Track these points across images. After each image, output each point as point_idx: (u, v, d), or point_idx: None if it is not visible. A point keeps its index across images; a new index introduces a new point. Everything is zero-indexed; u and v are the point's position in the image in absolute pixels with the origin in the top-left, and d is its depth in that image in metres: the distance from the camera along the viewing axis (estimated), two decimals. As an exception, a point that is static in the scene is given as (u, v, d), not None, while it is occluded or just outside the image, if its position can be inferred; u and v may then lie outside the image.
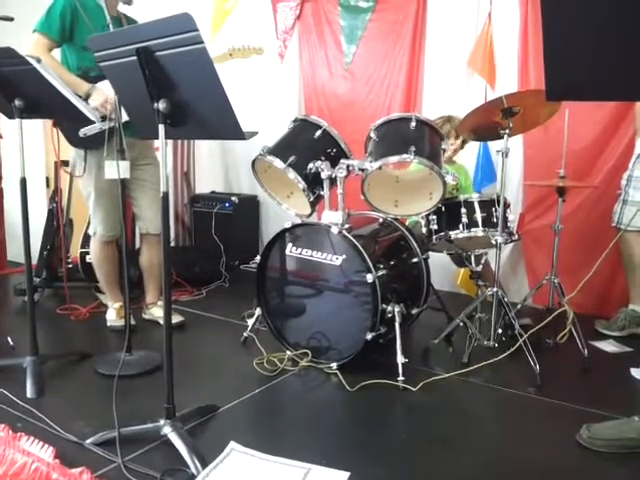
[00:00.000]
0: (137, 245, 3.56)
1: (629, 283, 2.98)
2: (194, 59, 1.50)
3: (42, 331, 2.53)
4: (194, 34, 1.45)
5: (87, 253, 3.31)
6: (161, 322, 2.97)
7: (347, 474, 1.66)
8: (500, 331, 2.60)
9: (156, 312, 3.04)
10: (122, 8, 2.71)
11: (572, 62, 1.14)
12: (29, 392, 2.15)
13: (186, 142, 4.55)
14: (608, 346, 2.80)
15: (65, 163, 3.62)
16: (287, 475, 1.65)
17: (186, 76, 1.58)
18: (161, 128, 1.67)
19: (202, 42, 1.45)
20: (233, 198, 4.33)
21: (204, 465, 1.67)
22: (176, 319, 2.95)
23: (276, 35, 4.22)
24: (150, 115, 1.68)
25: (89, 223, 3.38)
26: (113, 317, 2.95)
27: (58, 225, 3.43)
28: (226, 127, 1.60)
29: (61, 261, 3.47)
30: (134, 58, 1.61)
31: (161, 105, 1.64)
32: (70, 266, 3.53)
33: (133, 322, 2.80)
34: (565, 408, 2.15)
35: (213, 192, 4.66)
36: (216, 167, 4.74)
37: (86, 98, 2.52)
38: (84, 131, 2.41)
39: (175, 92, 1.62)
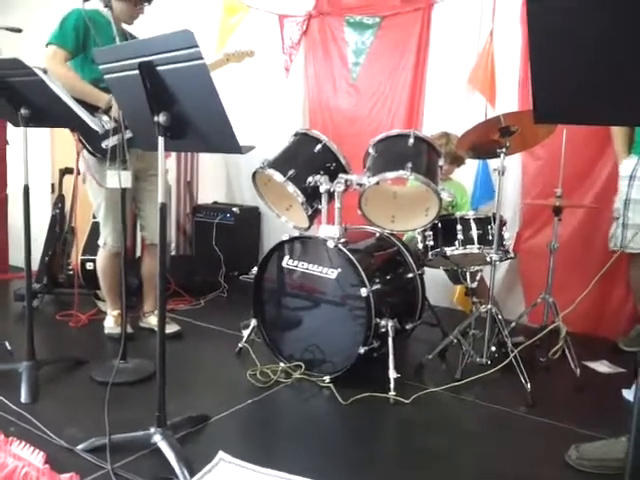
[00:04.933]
0: (137, 254, 3.60)
1: None
2: (194, 74, 1.54)
3: (40, 337, 2.55)
4: (194, 50, 1.48)
5: (88, 260, 3.34)
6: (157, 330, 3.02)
7: (334, 487, 1.68)
8: (493, 348, 2.61)
9: (153, 320, 3.06)
10: (126, 26, 2.78)
11: (558, 87, 1.17)
12: (23, 397, 2.17)
13: (190, 152, 4.61)
14: (601, 366, 2.80)
15: (69, 170, 3.69)
16: (274, 486, 1.67)
17: (186, 91, 1.61)
18: (161, 140, 1.71)
19: (202, 58, 1.49)
20: (235, 209, 4.37)
21: (192, 474, 1.68)
22: (173, 328, 2.98)
23: (282, 49, 4.28)
24: (150, 127, 1.72)
25: (91, 231, 3.45)
26: (111, 324, 2.97)
27: (61, 231, 3.47)
28: (224, 141, 1.63)
29: (62, 267, 3.51)
30: (136, 72, 1.65)
31: (161, 118, 1.68)
32: (70, 273, 3.57)
33: (130, 330, 2.83)
34: (555, 427, 2.15)
35: (215, 202, 4.70)
36: (219, 178, 4.79)
37: (108, 108, 2.57)
38: (106, 142, 2.46)
39: (175, 106, 1.66)
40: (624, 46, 1.06)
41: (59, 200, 3.59)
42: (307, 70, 4.26)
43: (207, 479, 1.68)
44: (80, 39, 2.61)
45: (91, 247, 3.35)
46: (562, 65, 1.14)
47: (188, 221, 4.60)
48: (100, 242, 2.92)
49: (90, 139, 2.66)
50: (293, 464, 1.79)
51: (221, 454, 1.80)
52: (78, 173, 2.99)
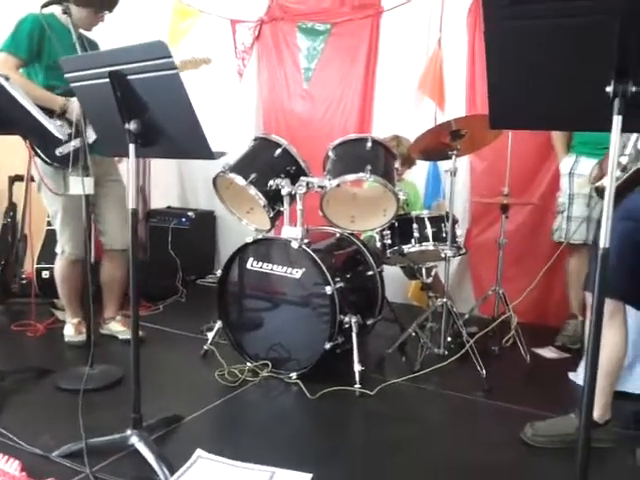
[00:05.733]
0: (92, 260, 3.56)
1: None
2: (166, 84, 1.59)
3: (-3, 348, 2.52)
4: (167, 61, 1.53)
5: (44, 269, 3.29)
6: (119, 337, 3.01)
7: (310, 476, 1.75)
8: (449, 339, 2.77)
9: (114, 327, 3.05)
10: (82, 30, 2.77)
11: (511, 96, 1.30)
12: (-11, 408, 2.14)
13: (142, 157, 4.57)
14: (548, 352, 3.01)
15: (19, 178, 3.61)
16: (253, 478, 1.73)
17: (158, 99, 1.66)
18: (131, 148, 1.74)
19: (175, 68, 1.54)
20: (190, 213, 4.38)
21: (172, 472, 1.72)
22: (136, 334, 2.97)
23: (235, 54, 4.32)
24: (119, 134, 1.75)
25: (46, 239, 3.39)
26: (71, 332, 2.94)
27: (13, 240, 3.40)
28: (196, 148, 1.68)
29: (15, 277, 3.44)
30: (106, 80, 1.68)
31: (132, 126, 1.71)
32: (24, 282, 3.49)
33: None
34: (510, 410, 2.31)
35: (169, 207, 4.69)
36: (172, 182, 4.78)
37: (63, 112, 2.55)
38: (60, 150, 2.44)
39: (146, 113, 1.70)
40: (567, 63, 1.20)
41: (10, 208, 3.51)
42: (260, 75, 4.32)
43: (187, 476, 1.72)
44: (34, 46, 2.57)
45: (46, 255, 3.30)
46: (514, 79, 1.27)
47: (142, 226, 4.55)
48: (58, 250, 2.88)
49: (44, 147, 2.63)
50: (266, 456, 1.85)
51: (199, 451, 1.85)
52: (32, 180, 2.93)
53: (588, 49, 1.15)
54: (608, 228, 1.19)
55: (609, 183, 1.17)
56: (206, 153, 1.68)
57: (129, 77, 1.65)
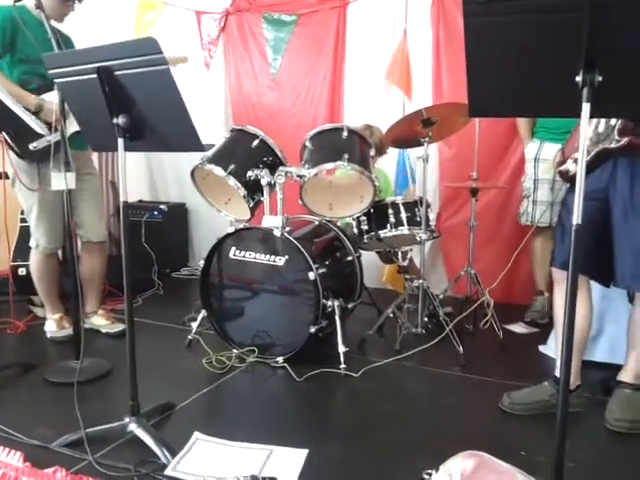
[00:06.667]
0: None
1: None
2: (157, 79, 1.63)
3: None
4: (159, 57, 1.58)
5: (20, 266, 3.27)
6: (102, 330, 3.04)
7: (306, 451, 1.84)
8: (426, 319, 2.90)
9: (96, 321, 3.07)
10: (54, 23, 2.75)
11: (489, 86, 1.40)
12: (-20, 405, 2.16)
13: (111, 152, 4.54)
14: (518, 328, 3.18)
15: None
16: (252, 457, 1.81)
17: (148, 94, 1.70)
18: (120, 142, 1.78)
19: (166, 63, 1.59)
20: (162, 206, 4.39)
21: (173, 455, 1.78)
22: (119, 327, 3.00)
23: (201, 45, 4.33)
24: (106, 129, 1.78)
25: (20, 235, 3.36)
26: (53, 328, 2.94)
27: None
28: (186, 141, 1.73)
29: (-11, 275, 3.40)
30: (93, 76, 1.71)
31: (121, 120, 1.75)
32: (-1, 280, 3.46)
33: (71, 332, 2.82)
34: (487, 382, 2.45)
35: (141, 201, 4.68)
36: (142, 176, 4.77)
37: (37, 111, 2.55)
38: (34, 144, 2.44)
39: (135, 108, 1.73)
40: (540, 55, 1.31)
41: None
42: (228, 66, 4.35)
43: (188, 457, 1.79)
44: (7, 39, 2.55)
45: (21, 252, 3.27)
46: (492, 70, 1.37)
47: (114, 221, 4.54)
48: (32, 244, 2.87)
49: (19, 141, 2.62)
50: (261, 436, 1.93)
51: (197, 434, 1.91)
52: (6, 177, 2.91)
53: (559, 42, 1.25)
54: (580, 206, 1.31)
55: (580, 162, 1.28)
56: (196, 146, 1.73)
57: (117, 73, 1.69)
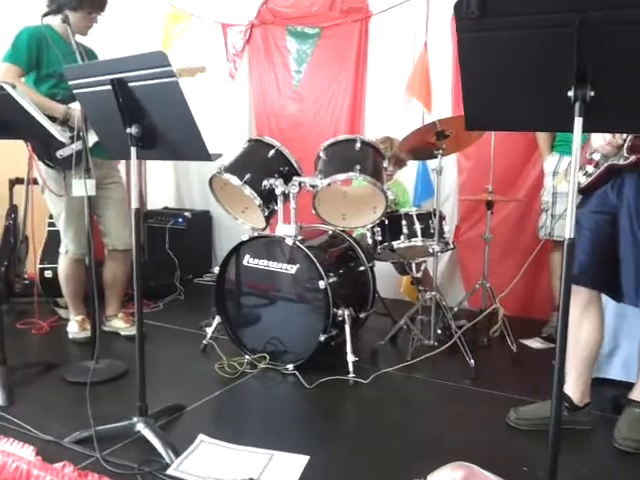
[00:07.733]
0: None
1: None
2: (166, 90, 1.70)
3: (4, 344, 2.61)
4: (167, 69, 1.65)
5: (47, 269, 3.39)
6: (122, 333, 3.12)
7: (307, 457, 1.87)
8: (439, 331, 2.89)
9: (116, 324, 3.16)
10: (78, 37, 2.88)
11: (484, 100, 1.42)
12: (0, 400, 2.24)
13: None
14: (534, 343, 3.13)
15: (19, 180, 3.71)
16: (253, 460, 1.84)
17: (158, 105, 1.77)
18: (133, 150, 1.85)
19: (174, 76, 1.65)
20: (186, 213, 4.49)
21: (177, 455, 1.84)
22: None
23: (227, 57, 4.43)
24: (121, 138, 1.86)
25: (48, 239, 3.49)
26: (75, 329, 3.04)
27: (15, 241, 3.50)
28: (194, 150, 1.80)
29: (18, 277, 3.54)
30: (108, 87, 1.80)
31: (133, 130, 1.82)
32: (26, 282, 3.60)
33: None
34: (497, 396, 2.43)
35: (166, 208, 4.79)
36: (168, 183, 4.89)
37: (65, 119, 2.67)
38: (60, 152, 2.56)
39: (147, 118, 1.81)
40: (532, 70, 1.33)
41: (12, 210, 3.61)
42: (252, 77, 4.44)
43: (191, 458, 1.84)
44: (33, 56, 2.69)
45: (49, 255, 3.41)
46: (486, 84, 1.39)
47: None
48: (61, 250, 2.99)
49: (45, 150, 2.74)
50: (265, 441, 1.97)
51: (201, 436, 1.96)
52: (35, 183, 3.04)
53: (551, 58, 1.27)
54: (573, 220, 1.31)
55: (572, 179, 1.29)
56: (204, 155, 1.79)
57: (130, 84, 1.76)
